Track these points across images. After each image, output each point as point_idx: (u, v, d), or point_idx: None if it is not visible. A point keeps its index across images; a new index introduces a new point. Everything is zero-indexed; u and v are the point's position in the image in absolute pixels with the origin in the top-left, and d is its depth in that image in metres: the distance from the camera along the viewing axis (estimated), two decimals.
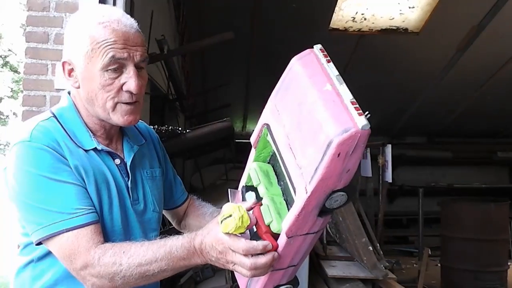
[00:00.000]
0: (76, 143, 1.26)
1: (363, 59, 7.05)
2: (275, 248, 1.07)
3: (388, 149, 5.57)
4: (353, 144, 0.93)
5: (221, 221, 1.06)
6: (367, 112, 0.96)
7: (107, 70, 1.22)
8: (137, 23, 1.29)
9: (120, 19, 1.24)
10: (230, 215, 1.05)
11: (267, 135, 1.17)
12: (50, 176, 1.19)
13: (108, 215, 1.28)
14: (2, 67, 16.35)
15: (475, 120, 8.80)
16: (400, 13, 6.42)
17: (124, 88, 1.24)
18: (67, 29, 1.29)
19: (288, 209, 1.08)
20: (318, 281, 4.24)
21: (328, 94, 1.00)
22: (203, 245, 1.12)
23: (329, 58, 1.07)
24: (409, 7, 6.31)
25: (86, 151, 1.28)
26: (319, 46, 1.10)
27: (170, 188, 1.57)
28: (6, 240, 7.89)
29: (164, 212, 1.57)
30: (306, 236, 1.08)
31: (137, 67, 1.26)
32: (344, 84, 1.01)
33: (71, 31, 1.27)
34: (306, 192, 0.98)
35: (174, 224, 1.66)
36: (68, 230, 1.17)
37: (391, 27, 6.64)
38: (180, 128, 3.84)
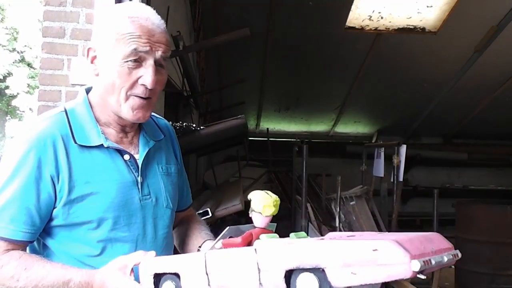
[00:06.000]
0: (77, 142, 1.27)
1: (380, 58, 7.01)
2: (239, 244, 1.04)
3: (403, 149, 5.52)
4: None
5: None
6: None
7: (127, 61, 1.24)
8: (165, 25, 1.32)
9: (149, 17, 1.28)
10: (270, 196, 1.07)
11: None
12: (15, 177, 1.22)
13: (108, 213, 1.28)
14: (19, 63, 16.53)
15: (492, 122, 8.70)
16: (418, 12, 6.36)
17: (140, 81, 1.26)
18: (99, 17, 1.34)
19: None
20: None
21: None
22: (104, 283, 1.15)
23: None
24: (427, 6, 6.25)
25: (89, 148, 1.28)
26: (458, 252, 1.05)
27: (181, 189, 1.56)
28: None
29: None
30: None
31: (157, 64, 1.28)
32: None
33: (102, 19, 1.31)
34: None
35: None
36: None
37: (408, 26, 6.58)
38: (194, 125, 3.84)
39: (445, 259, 0.91)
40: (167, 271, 1.09)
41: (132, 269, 1.14)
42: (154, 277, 1.10)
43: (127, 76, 1.25)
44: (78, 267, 1.20)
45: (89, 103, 1.34)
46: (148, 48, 1.25)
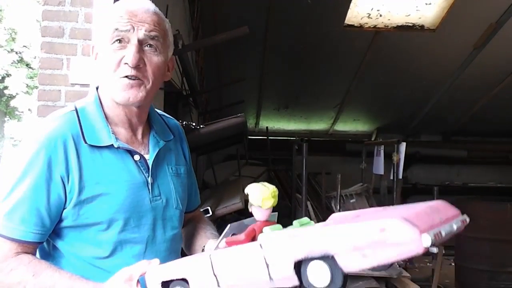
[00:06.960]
0: (88, 142, 1.26)
1: (379, 56, 7.00)
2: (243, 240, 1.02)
3: (402, 147, 5.52)
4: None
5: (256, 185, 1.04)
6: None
7: (112, 43, 1.25)
8: (154, 7, 1.31)
9: (136, 1, 1.28)
10: (267, 188, 1.03)
11: None
12: (25, 178, 1.21)
13: (118, 214, 1.26)
14: (17, 63, 16.52)
15: (491, 119, 8.71)
16: (417, 10, 6.36)
17: (123, 60, 1.25)
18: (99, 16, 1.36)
19: None
20: None
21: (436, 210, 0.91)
22: None
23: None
24: (426, 4, 6.25)
25: (99, 148, 1.27)
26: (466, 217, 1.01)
27: (190, 190, 1.54)
28: None
29: None
30: None
31: (144, 44, 1.26)
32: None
33: (100, 16, 1.33)
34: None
35: None
36: None
37: (407, 24, 6.58)
38: (194, 124, 3.84)
39: (454, 227, 0.89)
40: (175, 278, 1.06)
41: (138, 280, 1.11)
42: (162, 285, 1.08)
43: (112, 58, 1.24)
44: (86, 279, 1.18)
45: (100, 101, 1.33)
46: (129, 27, 1.24)
